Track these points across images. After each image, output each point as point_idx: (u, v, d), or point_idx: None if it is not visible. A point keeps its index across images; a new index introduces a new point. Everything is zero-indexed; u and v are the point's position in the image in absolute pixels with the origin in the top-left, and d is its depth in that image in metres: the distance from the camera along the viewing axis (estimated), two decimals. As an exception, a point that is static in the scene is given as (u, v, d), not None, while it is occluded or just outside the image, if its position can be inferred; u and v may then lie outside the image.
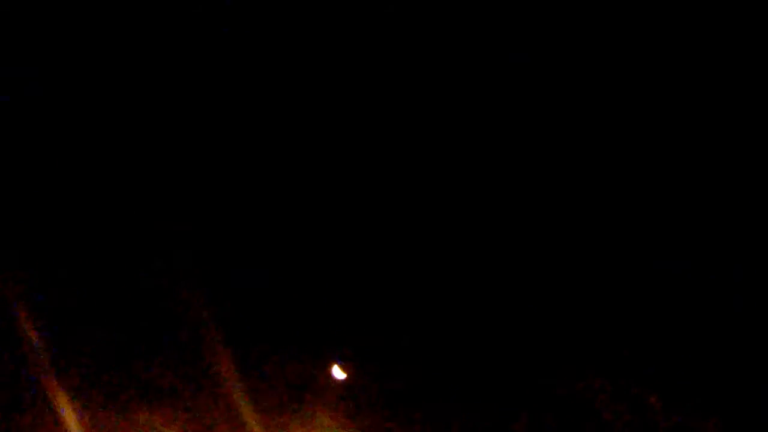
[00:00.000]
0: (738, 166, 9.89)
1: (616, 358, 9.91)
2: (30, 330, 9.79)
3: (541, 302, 10.10)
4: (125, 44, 9.87)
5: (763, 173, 9.85)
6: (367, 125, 10.07)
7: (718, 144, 9.88)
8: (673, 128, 9.93)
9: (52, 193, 10.09)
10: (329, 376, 10.08)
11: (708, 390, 9.75)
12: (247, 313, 10.06)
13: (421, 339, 10.11)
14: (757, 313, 9.69)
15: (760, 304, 9.68)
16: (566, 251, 10.10)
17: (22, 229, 9.94)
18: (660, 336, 9.88)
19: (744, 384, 9.67)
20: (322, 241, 10.13)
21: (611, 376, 9.88)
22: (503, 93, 9.95)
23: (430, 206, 10.17)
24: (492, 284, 10.14)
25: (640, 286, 9.95)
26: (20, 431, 9.80)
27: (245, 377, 9.90)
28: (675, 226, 9.94)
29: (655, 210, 10.01)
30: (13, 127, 9.87)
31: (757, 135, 9.84)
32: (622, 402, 9.85)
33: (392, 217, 10.15)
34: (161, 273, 9.96)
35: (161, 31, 9.80)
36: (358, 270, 10.14)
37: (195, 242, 9.99)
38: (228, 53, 9.93)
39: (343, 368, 10.08)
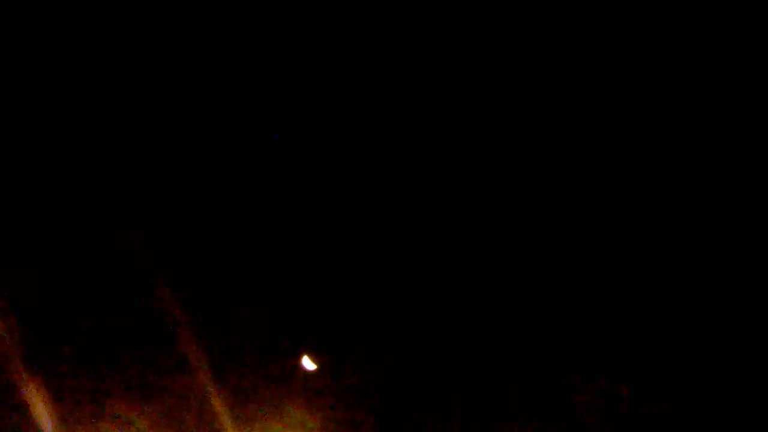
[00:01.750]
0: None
1: (592, 355, 9.78)
2: (6, 323, 9.89)
3: (519, 296, 10.01)
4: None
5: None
6: (344, 125, 10.09)
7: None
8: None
9: (34, 187, 10.20)
10: (300, 367, 10.05)
11: (682, 381, 9.58)
12: (220, 306, 10.08)
13: (396, 331, 10.05)
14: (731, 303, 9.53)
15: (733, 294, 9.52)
16: (544, 251, 10.01)
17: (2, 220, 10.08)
18: (633, 329, 9.73)
19: (717, 374, 9.49)
20: (296, 232, 10.13)
21: (587, 372, 9.76)
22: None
23: (407, 196, 10.14)
24: (470, 278, 10.06)
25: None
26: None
27: (217, 369, 9.91)
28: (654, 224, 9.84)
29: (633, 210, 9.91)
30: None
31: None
32: (597, 396, 9.71)
33: (368, 208, 10.12)
34: (137, 268, 10.02)
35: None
36: (332, 261, 10.12)
37: (171, 237, 10.05)
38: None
39: (314, 359, 10.05)
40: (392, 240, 10.08)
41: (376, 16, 9.83)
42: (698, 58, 9.69)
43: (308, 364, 10.03)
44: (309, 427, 9.90)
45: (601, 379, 9.65)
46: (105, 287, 10.11)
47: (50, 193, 10.18)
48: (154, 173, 10.11)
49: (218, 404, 9.86)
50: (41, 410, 9.82)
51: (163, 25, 9.95)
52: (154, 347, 10.05)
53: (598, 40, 9.78)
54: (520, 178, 10.03)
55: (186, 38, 9.95)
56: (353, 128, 10.04)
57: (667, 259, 9.78)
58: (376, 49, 9.92)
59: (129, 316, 10.01)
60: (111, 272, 10.09)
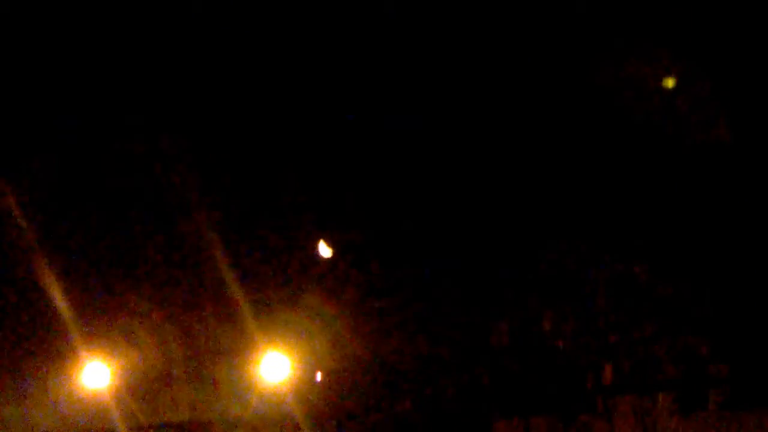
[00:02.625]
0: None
1: (603, 229, 9.75)
2: (20, 212, 9.97)
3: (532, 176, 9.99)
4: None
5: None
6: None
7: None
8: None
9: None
10: (315, 251, 10.08)
11: (696, 259, 9.56)
12: (235, 192, 10.10)
13: (408, 216, 10.05)
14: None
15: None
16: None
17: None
18: (647, 207, 9.70)
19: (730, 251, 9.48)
20: (309, 117, 10.12)
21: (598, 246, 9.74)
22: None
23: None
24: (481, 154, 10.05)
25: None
26: (6, 309, 9.97)
27: (230, 254, 9.94)
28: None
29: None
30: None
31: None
32: (607, 272, 9.70)
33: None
34: (145, 156, 10.07)
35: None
36: (347, 146, 10.12)
37: (179, 117, 10.06)
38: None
39: (329, 245, 10.07)
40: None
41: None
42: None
43: (324, 251, 10.05)
44: (324, 313, 9.94)
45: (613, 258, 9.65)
46: (120, 181, 10.16)
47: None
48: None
49: (235, 294, 9.90)
50: (60, 301, 9.90)
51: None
52: (170, 237, 10.09)
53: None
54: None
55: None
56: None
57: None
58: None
59: (144, 207, 10.06)
60: (125, 167, 10.14)
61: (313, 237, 10.08)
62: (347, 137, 10.01)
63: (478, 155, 9.93)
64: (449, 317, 9.87)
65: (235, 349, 9.95)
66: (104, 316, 10.00)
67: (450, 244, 9.94)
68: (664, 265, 9.53)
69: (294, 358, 9.82)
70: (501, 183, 9.93)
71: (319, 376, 9.97)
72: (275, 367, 9.78)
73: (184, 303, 10.04)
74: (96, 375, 9.83)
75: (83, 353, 9.86)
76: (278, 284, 10.01)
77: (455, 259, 9.90)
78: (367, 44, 9.88)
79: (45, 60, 9.95)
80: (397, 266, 9.98)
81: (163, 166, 9.98)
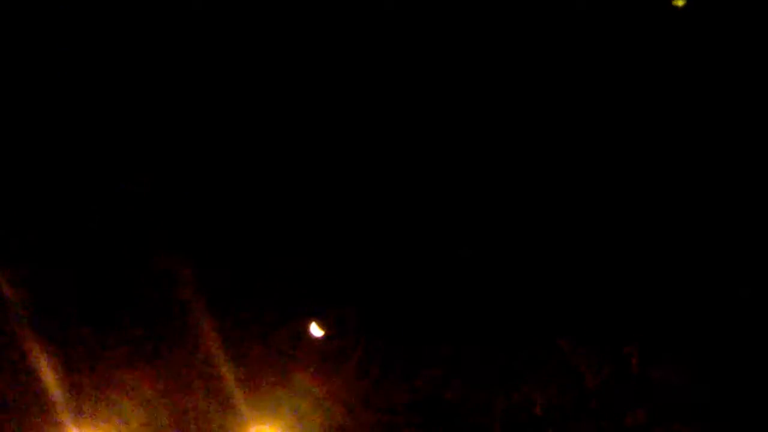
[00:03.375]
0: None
1: (596, 318, 9.77)
2: (10, 290, 9.91)
3: (521, 267, 10.02)
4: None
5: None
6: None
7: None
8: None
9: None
10: (307, 333, 10.05)
11: (687, 345, 9.57)
12: (225, 268, 10.08)
13: (401, 297, 10.05)
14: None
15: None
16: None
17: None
18: (639, 293, 9.73)
19: (720, 335, 9.49)
20: (301, 196, 10.13)
21: (591, 335, 9.75)
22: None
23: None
24: (473, 241, 10.07)
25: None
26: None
27: (223, 334, 9.91)
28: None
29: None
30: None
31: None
32: (601, 358, 9.70)
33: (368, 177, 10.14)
34: (140, 234, 10.04)
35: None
36: (341, 228, 10.13)
37: (174, 208, 10.06)
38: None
39: (321, 326, 10.05)
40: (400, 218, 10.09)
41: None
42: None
43: (315, 331, 10.02)
44: (315, 394, 9.90)
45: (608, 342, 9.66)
46: (113, 255, 10.12)
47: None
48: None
49: (225, 372, 9.86)
50: (48, 378, 9.83)
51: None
52: (162, 316, 10.05)
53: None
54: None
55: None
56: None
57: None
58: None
59: (137, 284, 10.02)
60: (118, 242, 10.10)
61: (305, 315, 10.06)
62: (340, 215, 10.03)
63: (472, 235, 9.96)
64: (445, 399, 9.85)
65: (226, 427, 9.90)
66: (92, 392, 9.93)
67: (444, 325, 9.94)
68: (656, 349, 9.54)
69: (285, 438, 9.81)
70: (496, 269, 9.95)
71: (310, 456, 9.93)
72: (266, 447, 9.76)
73: (174, 380, 9.97)
74: (84, 453, 9.77)
75: (71, 430, 9.78)
76: (269, 362, 9.96)
77: (449, 342, 9.90)
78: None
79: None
80: (392, 347, 9.96)
81: (154, 242, 9.95)
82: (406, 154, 10.02)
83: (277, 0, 9.84)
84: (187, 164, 10.06)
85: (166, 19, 9.88)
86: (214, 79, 9.99)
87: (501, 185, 9.99)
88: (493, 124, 9.93)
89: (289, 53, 9.94)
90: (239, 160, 10.12)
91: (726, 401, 9.42)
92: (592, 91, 9.80)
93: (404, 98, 9.91)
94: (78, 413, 9.81)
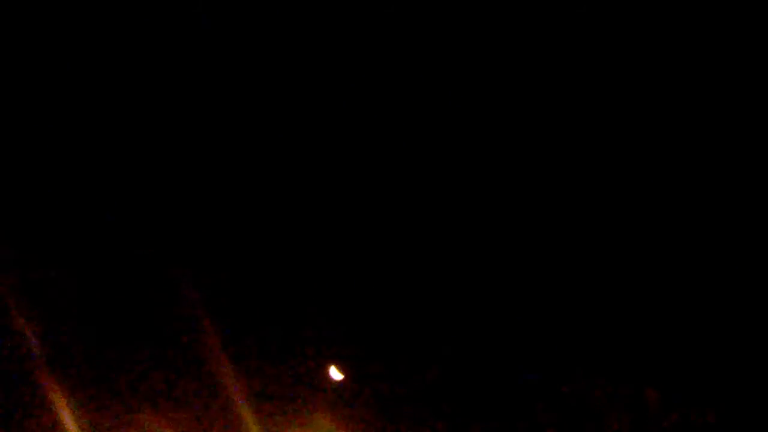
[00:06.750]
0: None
1: (614, 358, 9.84)
2: (28, 329, 9.84)
3: (540, 302, 10.07)
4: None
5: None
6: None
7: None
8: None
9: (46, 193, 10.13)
10: (327, 376, 10.06)
11: (706, 386, 9.66)
12: (246, 313, 10.08)
13: (420, 340, 10.08)
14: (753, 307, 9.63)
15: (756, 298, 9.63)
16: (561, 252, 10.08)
17: (19, 228, 10.01)
18: (656, 333, 9.81)
19: (741, 379, 9.58)
20: (320, 240, 10.14)
21: (610, 376, 9.82)
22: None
23: (428, 207, 10.18)
24: (491, 284, 10.12)
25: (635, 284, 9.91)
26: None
27: (243, 377, 9.91)
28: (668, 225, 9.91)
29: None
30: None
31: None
32: (621, 401, 9.77)
33: (390, 217, 10.16)
34: (159, 273, 10.01)
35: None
36: (357, 270, 10.15)
37: (192, 243, 10.04)
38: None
39: (341, 369, 10.06)
40: (418, 253, 10.12)
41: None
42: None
43: (335, 373, 10.04)
44: (336, 436, 9.93)
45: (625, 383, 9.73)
46: (127, 291, 10.08)
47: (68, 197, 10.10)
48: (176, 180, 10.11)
49: (244, 413, 9.85)
50: (65, 419, 9.77)
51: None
52: (179, 356, 10.02)
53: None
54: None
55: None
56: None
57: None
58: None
59: (153, 323, 9.98)
60: (133, 277, 10.06)
61: (324, 360, 10.07)
62: (360, 264, 10.06)
63: (490, 280, 10.02)
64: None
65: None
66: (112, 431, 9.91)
67: (464, 367, 9.99)
68: (676, 391, 9.64)
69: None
70: (509, 310, 10.01)
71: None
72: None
73: (194, 422, 9.95)
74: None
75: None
76: (289, 406, 9.96)
77: (468, 383, 9.95)
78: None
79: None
80: (411, 389, 9.99)
81: (173, 291, 9.93)
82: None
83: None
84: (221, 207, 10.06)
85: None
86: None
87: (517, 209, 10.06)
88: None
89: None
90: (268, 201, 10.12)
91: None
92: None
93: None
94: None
